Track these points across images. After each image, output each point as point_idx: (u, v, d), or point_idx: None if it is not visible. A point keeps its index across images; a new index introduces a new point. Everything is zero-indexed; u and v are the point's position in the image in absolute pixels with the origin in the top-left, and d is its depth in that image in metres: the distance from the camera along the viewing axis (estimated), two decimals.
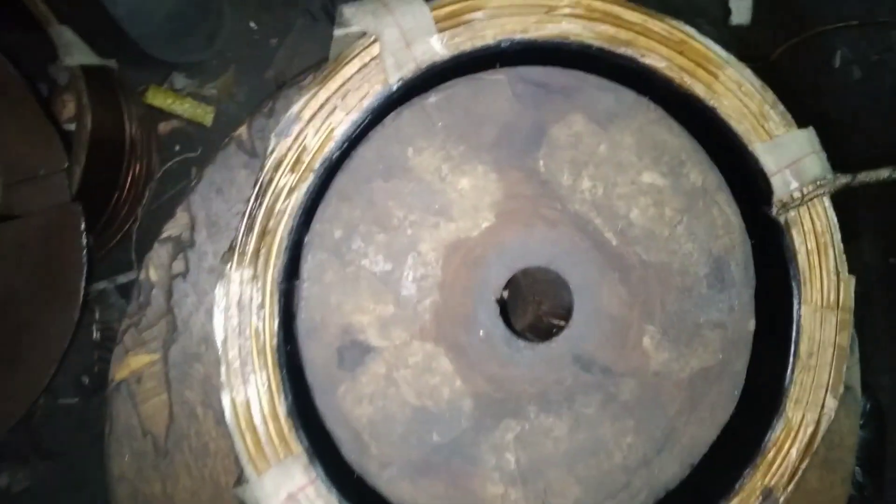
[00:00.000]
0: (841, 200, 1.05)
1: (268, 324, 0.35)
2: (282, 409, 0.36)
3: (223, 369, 0.35)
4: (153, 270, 0.50)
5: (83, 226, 0.61)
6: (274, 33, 0.96)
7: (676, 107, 0.40)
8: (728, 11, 1.04)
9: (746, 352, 0.41)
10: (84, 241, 0.61)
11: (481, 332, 0.39)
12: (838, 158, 1.04)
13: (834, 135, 1.01)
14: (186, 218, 0.49)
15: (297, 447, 0.36)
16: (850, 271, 1.16)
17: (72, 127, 0.70)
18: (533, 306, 0.44)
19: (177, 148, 0.90)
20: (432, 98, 0.38)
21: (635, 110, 0.40)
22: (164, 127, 0.90)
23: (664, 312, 0.40)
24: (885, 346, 1.06)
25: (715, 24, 1.04)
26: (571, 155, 0.39)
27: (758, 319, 0.41)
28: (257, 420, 0.35)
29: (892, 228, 1.05)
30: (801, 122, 0.42)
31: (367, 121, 0.37)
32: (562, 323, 0.41)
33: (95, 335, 0.84)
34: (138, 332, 0.50)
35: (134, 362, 0.49)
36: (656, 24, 0.39)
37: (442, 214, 0.38)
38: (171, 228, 0.50)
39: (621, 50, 0.39)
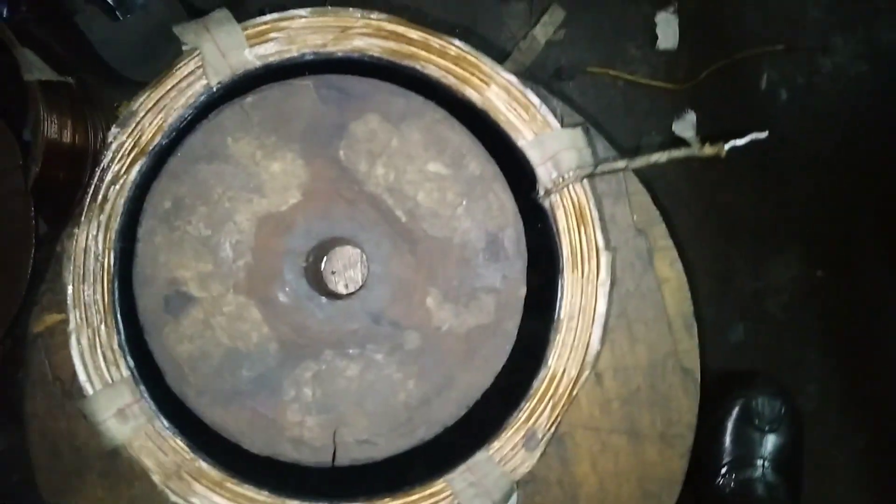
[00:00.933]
0: (770, 211, 1.10)
1: (106, 273, 0.45)
2: (114, 341, 0.45)
3: (69, 304, 0.45)
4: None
5: (32, 216, 0.72)
6: None
7: (458, 109, 0.49)
8: (656, 36, 1.12)
9: (517, 314, 0.49)
10: (32, 228, 0.71)
11: (287, 289, 0.47)
12: (771, 177, 1.10)
13: (763, 155, 1.07)
14: None
15: (126, 372, 0.45)
16: (775, 284, 1.21)
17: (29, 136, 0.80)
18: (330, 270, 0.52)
19: None
20: (249, 98, 0.47)
21: (423, 112, 0.48)
22: None
23: (446, 278, 0.48)
24: (811, 356, 1.10)
25: (643, 48, 1.12)
26: (368, 147, 0.48)
27: (529, 287, 0.49)
28: (97, 350, 0.45)
29: (821, 241, 1.10)
30: (570, 124, 0.50)
31: (192, 115, 0.46)
32: (358, 284, 0.49)
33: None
34: (53, 295, 0.60)
35: (49, 319, 0.59)
36: (436, 41, 0.48)
37: (256, 192, 0.47)
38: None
39: (405, 62, 0.47)
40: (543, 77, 1.10)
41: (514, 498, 0.65)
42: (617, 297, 0.66)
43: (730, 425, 1.02)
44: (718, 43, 1.15)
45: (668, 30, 1.13)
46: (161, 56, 1.10)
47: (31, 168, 0.75)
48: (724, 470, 1.02)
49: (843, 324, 1.10)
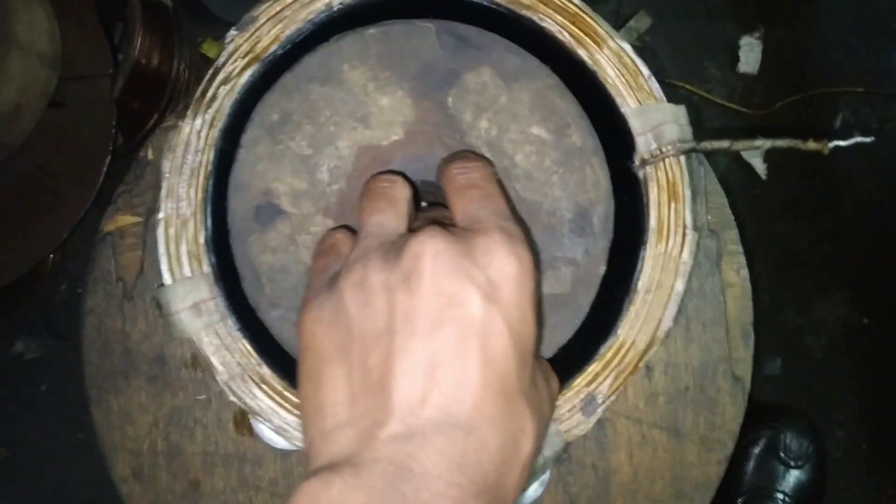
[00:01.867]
0: (824, 250, 1.10)
1: (203, 168, 0.46)
2: (201, 237, 0.46)
3: (163, 193, 0.46)
4: (151, 151, 0.61)
5: (114, 123, 0.73)
6: None
7: (569, 76, 0.49)
8: (737, 59, 1.11)
9: (593, 290, 0.49)
10: (112, 135, 0.73)
11: None
12: (831, 216, 1.09)
13: (826, 192, 1.07)
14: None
15: (207, 267, 0.46)
16: (819, 323, 1.21)
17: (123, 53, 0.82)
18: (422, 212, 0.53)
19: None
20: (371, 30, 0.48)
21: (536, 75, 0.49)
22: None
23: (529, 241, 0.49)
24: (846, 402, 1.10)
25: (722, 68, 1.12)
26: (476, 99, 0.49)
27: (609, 267, 0.49)
28: (181, 239, 0.46)
29: (871, 288, 1.09)
30: (676, 101, 0.50)
31: (309, 31, 0.47)
32: None
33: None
34: (129, 198, 0.61)
35: (121, 220, 0.61)
36: None
37: (361, 122, 0.48)
38: (171, 120, 0.61)
39: (523, 12, 0.48)
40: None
41: (546, 475, 0.65)
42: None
43: (755, 454, 1.01)
44: (798, 75, 1.14)
45: (750, 54, 1.13)
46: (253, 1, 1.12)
47: (119, 79, 0.76)
48: (742, 497, 1.01)
49: (881, 374, 1.09)
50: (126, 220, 0.61)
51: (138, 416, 0.61)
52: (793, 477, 1.00)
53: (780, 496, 0.99)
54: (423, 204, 0.49)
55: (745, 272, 0.68)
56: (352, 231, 0.41)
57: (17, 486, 0.99)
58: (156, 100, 0.88)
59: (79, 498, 0.96)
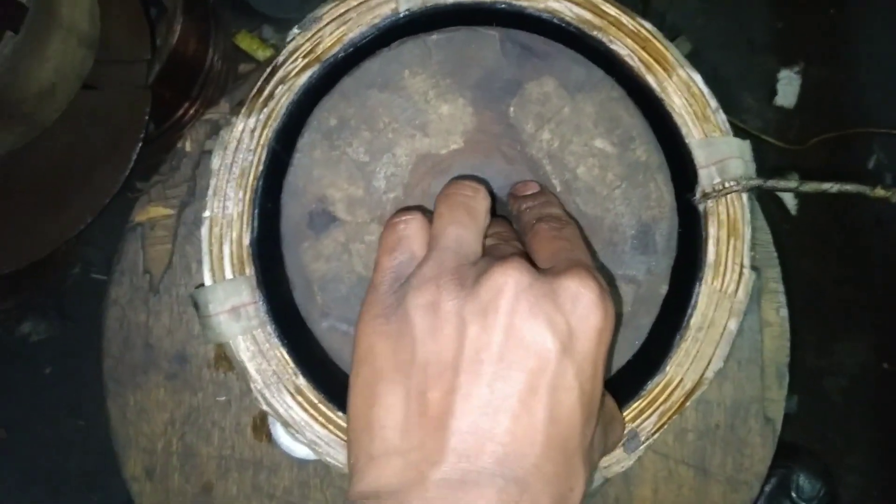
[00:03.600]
0: (849, 292, 1.08)
1: (254, 168, 0.44)
2: (246, 238, 0.44)
3: (210, 191, 0.44)
4: (189, 143, 0.59)
5: (148, 109, 0.72)
6: None
7: (635, 92, 0.47)
8: (775, 92, 1.10)
9: (654, 311, 0.47)
10: (145, 120, 0.71)
11: None
12: (858, 257, 1.08)
13: (854, 234, 1.05)
14: (227, 107, 0.59)
15: (250, 270, 0.44)
16: (839, 365, 1.19)
17: (162, 39, 0.81)
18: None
19: None
20: (434, 36, 0.46)
21: (601, 86, 0.47)
22: (243, 67, 1.01)
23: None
24: (861, 447, 1.08)
25: (759, 101, 1.10)
26: (539, 110, 0.47)
27: (670, 287, 0.48)
28: (225, 240, 0.44)
29: (893, 331, 1.07)
30: (741, 135, 0.49)
31: (373, 36, 0.46)
32: None
33: None
34: (163, 189, 0.59)
35: (153, 211, 0.59)
36: (628, 20, 0.47)
37: (420, 129, 0.46)
38: (213, 113, 0.59)
39: (594, 33, 0.46)
40: None
41: None
42: None
43: (766, 491, 0.99)
44: (835, 113, 1.13)
45: (788, 88, 1.12)
46: None
47: (155, 65, 0.75)
48: None
49: None
50: (158, 211, 0.59)
51: (155, 413, 0.59)
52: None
53: None
54: None
55: (784, 311, 0.66)
56: (426, 213, 0.38)
57: (15, 469, 0.97)
58: (187, 88, 0.86)
59: (76, 485, 0.94)
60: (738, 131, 1.08)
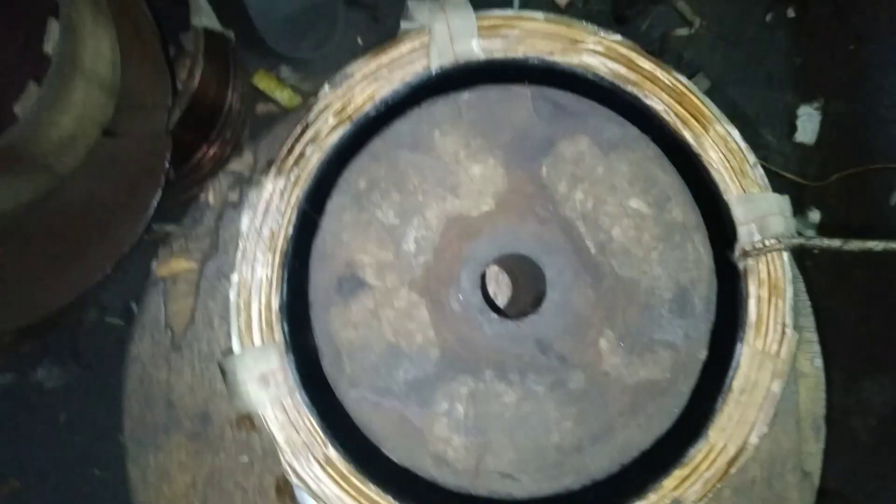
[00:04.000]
0: (875, 330, 1.05)
1: (283, 231, 0.43)
2: (275, 303, 0.43)
3: (239, 254, 0.43)
4: (212, 194, 0.58)
5: (168, 156, 0.71)
6: None
7: (671, 148, 0.46)
8: (795, 128, 1.09)
9: (693, 377, 0.46)
10: (166, 167, 0.70)
11: (461, 297, 0.45)
12: (882, 295, 1.06)
13: (877, 271, 1.03)
14: (251, 158, 0.58)
15: (279, 336, 0.43)
16: (867, 404, 1.16)
17: (182, 83, 0.80)
18: (513, 288, 0.50)
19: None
20: (465, 95, 0.46)
21: (636, 145, 0.46)
22: (261, 108, 1.01)
23: (625, 322, 0.46)
24: (890, 489, 1.05)
25: (779, 137, 1.09)
26: (572, 169, 0.46)
27: (710, 352, 0.46)
28: (253, 304, 0.43)
29: None
30: (778, 190, 0.47)
31: (405, 94, 0.45)
32: (531, 308, 0.47)
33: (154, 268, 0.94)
34: (185, 242, 0.58)
35: (175, 265, 0.58)
36: (663, 74, 0.46)
37: (451, 191, 0.45)
38: (236, 164, 0.58)
39: (629, 87, 0.46)
40: None
41: None
42: None
43: None
44: (855, 149, 1.12)
45: (808, 125, 1.10)
46: (308, 36, 1.11)
47: (176, 111, 0.74)
48: None
49: None
50: (180, 265, 0.58)
51: (176, 475, 0.57)
52: None
53: None
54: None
55: (819, 362, 0.65)
56: None
57: None
58: (207, 131, 0.86)
59: None
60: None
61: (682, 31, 1.06)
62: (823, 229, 1.07)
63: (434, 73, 0.45)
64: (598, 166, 0.46)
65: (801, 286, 0.65)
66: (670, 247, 0.46)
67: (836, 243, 0.45)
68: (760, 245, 0.46)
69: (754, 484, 0.62)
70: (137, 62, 0.72)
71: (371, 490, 0.43)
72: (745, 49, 1.08)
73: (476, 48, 0.45)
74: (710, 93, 1.07)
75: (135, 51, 0.72)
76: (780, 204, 0.47)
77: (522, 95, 0.46)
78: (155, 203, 0.71)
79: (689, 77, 1.06)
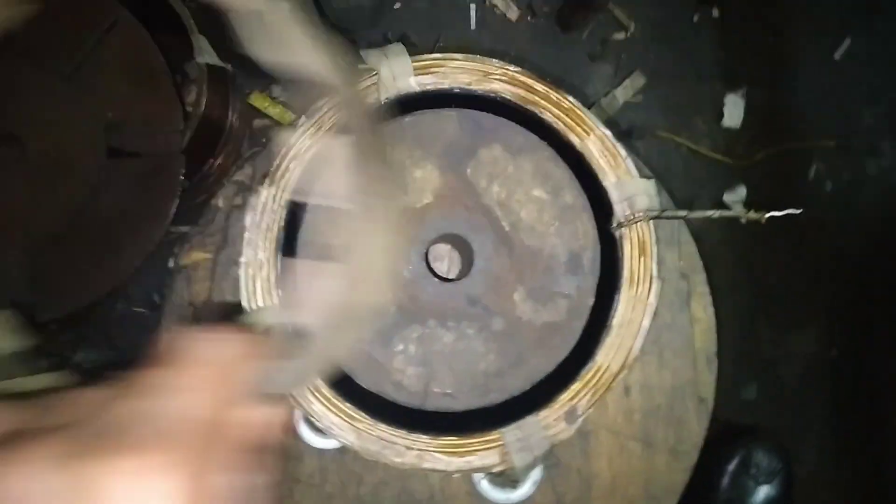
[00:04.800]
0: (799, 288, 1.21)
1: (276, 225, 0.59)
2: (272, 277, 0.59)
3: (245, 243, 0.59)
4: (222, 199, 0.74)
5: (182, 171, 0.87)
6: None
7: (562, 149, 0.62)
8: (722, 115, 1.24)
9: (584, 318, 0.62)
10: (180, 179, 0.86)
11: (410, 268, 0.61)
12: (805, 260, 1.22)
13: (801, 237, 1.19)
14: (251, 170, 0.74)
15: (276, 300, 0.59)
16: (793, 354, 1.34)
17: (191, 107, 0.96)
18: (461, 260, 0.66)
19: (263, 140, 1.16)
20: (407, 118, 0.61)
21: (536, 148, 0.62)
22: (257, 123, 1.17)
23: (532, 280, 0.62)
24: (815, 426, 1.21)
25: (708, 123, 1.24)
26: (489, 169, 0.62)
27: (596, 299, 0.62)
28: (257, 279, 0.59)
29: (841, 325, 1.20)
30: (646, 176, 0.63)
31: None
32: (464, 273, 0.63)
33: (171, 264, 1.10)
34: (202, 238, 0.75)
35: (195, 256, 0.74)
36: (554, 94, 0.61)
37: (400, 190, 0.61)
38: (240, 175, 0.75)
39: (528, 106, 0.61)
40: (615, 132, 1.26)
41: (537, 476, 0.77)
42: (655, 326, 0.78)
43: (729, 470, 1.13)
44: (777, 130, 1.27)
45: (734, 110, 1.26)
46: None
47: (187, 133, 0.90)
48: None
49: (849, 403, 1.21)
50: (199, 256, 0.74)
51: None
52: (762, 492, 1.12)
53: None
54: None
55: (710, 309, 0.81)
56: None
57: None
58: (213, 146, 1.02)
59: None
60: (690, 152, 1.23)
61: (619, 35, 1.21)
62: (749, 202, 1.22)
63: (383, 102, 0.61)
64: (509, 166, 0.62)
65: (694, 249, 0.81)
66: (564, 223, 0.62)
67: (682, 213, 0.61)
68: (630, 217, 0.62)
69: (659, 409, 0.78)
70: (152, 96, 0.87)
71: (348, 408, 0.59)
72: (676, 47, 1.23)
73: (413, 83, 0.61)
74: (646, 87, 1.22)
75: (150, 86, 0.88)
76: (645, 186, 0.62)
77: (450, 116, 0.62)
78: (174, 209, 0.87)
79: (627, 75, 1.23)
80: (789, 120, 1.26)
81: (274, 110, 1.13)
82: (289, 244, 0.61)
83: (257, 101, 1.13)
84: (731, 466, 1.13)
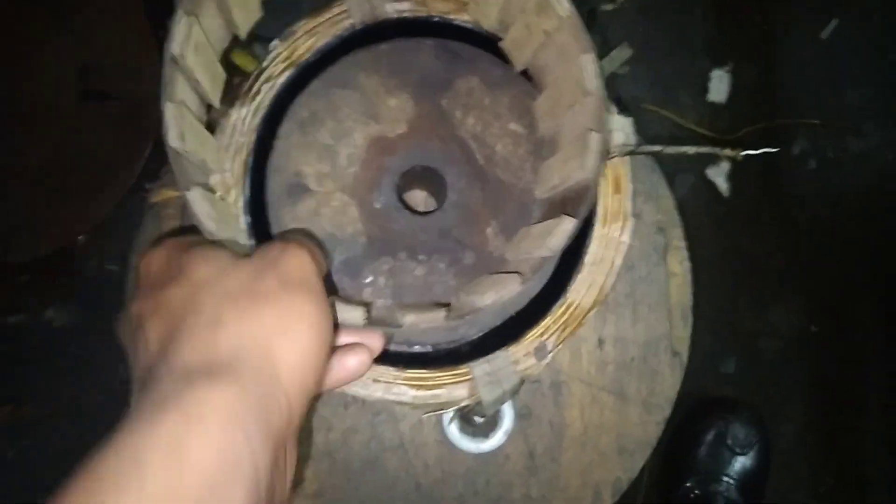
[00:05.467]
0: (779, 263, 1.22)
1: (245, 147, 0.58)
2: (240, 202, 0.58)
3: (212, 170, 0.58)
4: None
5: (157, 116, 0.85)
6: None
7: None
8: (708, 90, 1.24)
9: (556, 257, 0.61)
10: (156, 122, 0.84)
11: (382, 198, 0.60)
12: (786, 233, 1.21)
13: (784, 212, 1.19)
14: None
15: (244, 226, 0.58)
16: (772, 328, 1.35)
17: None
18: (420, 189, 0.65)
19: None
20: (383, 46, 0.60)
21: (514, 82, 0.61)
22: (238, 81, 1.15)
23: (505, 215, 0.61)
24: (793, 400, 1.21)
25: (693, 97, 1.24)
26: (465, 101, 0.61)
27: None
28: (226, 206, 0.58)
29: (820, 300, 1.21)
30: (625, 112, 0.62)
31: (336, 44, 0.60)
32: (436, 205, 0.62)
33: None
34: (173, 176, 0.73)
35: (165, 194, 0.73)
36: None
37: (373, 118, 0.60)
38: (213, 112, 0.73)
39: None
40: None
41: (509, 426, 0.76)
42: (630, 279, 0.78)
43: (706, 440, 1.12)
44: (762, 106, 1.27)
45: (720, 85, 1.26)
46: (276, 17, 1.26)
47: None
48: (692, 480, 1.12)
49: (826, 378, 1.21)
50: (169, 193, 0.73)
51: None
52: (739, 463, 1.12)
53: (727, 479, 1.11)
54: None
55: (687, 264, 0.80)
56: None
57: (37, 440, 1.10)
58: None
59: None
60: (675, 126, 1.23)
61: (608, 7, 1.20)
62: (733, 176, 1.22)
63: (357, 27, 0.60)
64: (486, 98, 0.61)
65: (672, 204, 0.81)
66: (539, 158, 0.61)
67: (656, 148, 0.60)
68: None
69: (633, 362, 0.78)
70: (128, 34, 0.86)
71: None
72: (664, 22, 1.23)
73: (390, 9, 0.60)
74: (633, 59, 1.22)
75: (127, 29, 0.87)
76: (621, 122, 0.62)
77: (427, 45, 0.61)
78: (147, 152, 0.85)
79: (614, 46, 1.22)
80: (774, 97, 1.26)
81: (252, 65, 1.12)
82: (258, 171, 0.59)
83: (239, 58, 1.12)
84: (709, 437, 1.12)
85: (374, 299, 0.60)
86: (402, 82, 0.61)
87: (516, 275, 0.49)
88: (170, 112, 0.50)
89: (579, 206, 0.51)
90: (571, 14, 0.53)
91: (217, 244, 0.44)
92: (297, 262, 0.41)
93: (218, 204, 0.53)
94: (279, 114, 0.60)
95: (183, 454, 0.28)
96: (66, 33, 0.86)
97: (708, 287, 1.19)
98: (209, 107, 0.63)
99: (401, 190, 0.61)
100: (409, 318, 0.49)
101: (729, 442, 1.13)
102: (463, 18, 0.60)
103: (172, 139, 0.49)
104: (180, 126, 0.50)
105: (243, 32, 0.58)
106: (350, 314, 0.47)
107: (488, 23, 0.60)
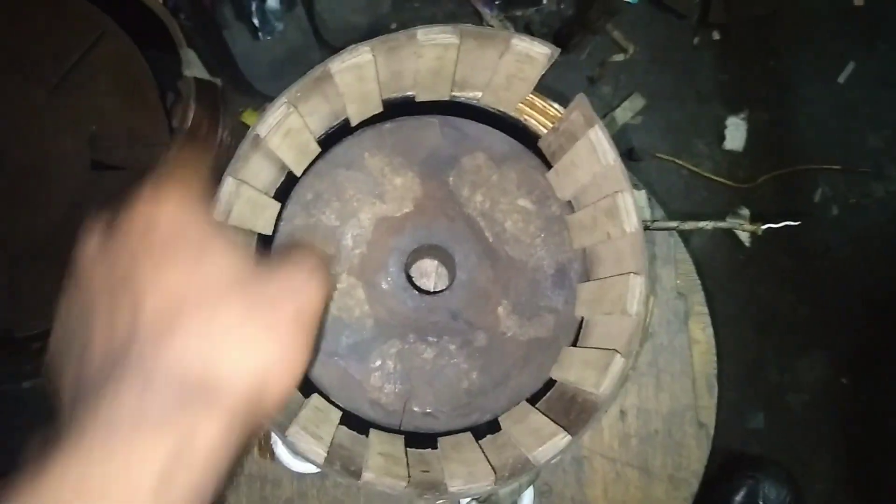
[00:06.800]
0: (805, 313, 1.19)
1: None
2: None
3: None
4: None
5: None
6: None
7: (547, 159, 0.60)
8: (724, 137, 1.22)
9: (572, 333, 0.59)
10: None
11: (389, 279, 0.59)
12: (811, 281, 1.18)
13: (806, 261, 1.16)
14: None
15: None
16: (800, 381, 1.31)
17: (178, 122, 0.94)
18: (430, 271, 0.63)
19: None
20: (387, 125, 0.59)
21: (521, 157, 0.60)
22: None
23: (517, 293, 0.59)
24: (824, 457, 1.16)
25: (710, 146, 1.22)
26: (472, 178, 0.60)
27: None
28: None
29: (849, 350, 1.16)
30: (638, 187, 0.61)
31: (338, 126, 0.59)
32: (445, 285, 0.60)
33: None
34: None
35: None
36: (540, 102, 0.59)
37: (378, 198, 0.59)
38: None
39: (512, 113, 0.59)
40: None
41: (529, 500, 0.73)
42: (651, 347, 0.75)
43: (736, 501, 1.08)
44: (780, 153, 1.25)
45: (736, 133, 1.24)
46: (288, 76, 1.26)
47: (173, 147, 0.89)
48: None
49: (858, 433, 1.16)
50: None
51: None
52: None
53: None
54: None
55: (709, 330, 0.77)
56: None
57: None
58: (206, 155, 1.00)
59: None
60: (692, 174, 1.20)
61: (618, 57, 1.19)
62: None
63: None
64: (493, 175, 0.60)
65: (692, 268, 0.78)
66: (550, 234, 0.59)
67: (672, 224, 0.59)
68: None
69: (657, 434, 0.75)
70: (140, 109, 0.86)
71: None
72: (676, 70, 1.22)
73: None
74: (645, 109, 1.21)
75: (135, 99, 0.87)
76: (635, 197, 0.60)
77: (432, 123, 0.60)
78: None
79: (626, 97, 1.22)
80: (792, 143, 1.24)
81: None
82: (265, 253, 0.58)
83: (250, 119, 1.12)
84: (739, 498, 1.08)
85: (383, 384, 0.58)
86: (407, 161, 0.60)
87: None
88: (228, 187, 0.51)
89: (581, 424, 0.50)
90: (637, 231, 0.51)
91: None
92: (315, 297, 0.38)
93: None
94: (284, 196, 0.58)
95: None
96: (75, 103, 0.86)
97: (731, 340, 1.15)
98: None
99: (409, 270, 0.60)
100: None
101: (760, 502, 1.08)
102: (468, 94, 0.59)
103: (218, 213, 0.51)
104: (231, 203, 0.51)
105: (355, 121, 0.58)
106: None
107: (562, 194, 0.59)
